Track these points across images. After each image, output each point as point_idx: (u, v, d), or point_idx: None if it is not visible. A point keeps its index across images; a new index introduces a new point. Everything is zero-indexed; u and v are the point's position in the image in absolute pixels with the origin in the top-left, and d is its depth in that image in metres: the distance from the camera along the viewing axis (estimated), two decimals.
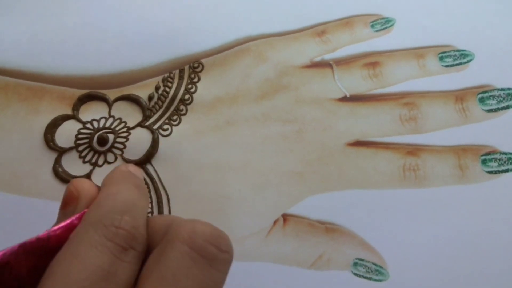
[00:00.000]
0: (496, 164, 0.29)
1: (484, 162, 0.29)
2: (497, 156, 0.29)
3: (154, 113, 0.30)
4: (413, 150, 0.29)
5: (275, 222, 0.28)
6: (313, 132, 0.30)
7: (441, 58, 0.32)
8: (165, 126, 0.29)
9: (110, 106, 0.30)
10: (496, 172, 0.29)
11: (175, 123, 0.30)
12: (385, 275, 0.27)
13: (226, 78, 0.31)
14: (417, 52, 0.32)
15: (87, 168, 0.28)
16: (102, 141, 0.28)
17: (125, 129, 0.29)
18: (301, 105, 0.30)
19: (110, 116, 0.30)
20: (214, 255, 0.15)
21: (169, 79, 0.31)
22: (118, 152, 0.28)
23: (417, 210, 0.29)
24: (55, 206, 0.27)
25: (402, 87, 0.31)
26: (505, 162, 0.29)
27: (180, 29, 0.33)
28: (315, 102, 0.30)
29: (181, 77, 0.31)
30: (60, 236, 0.16)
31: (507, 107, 0.30)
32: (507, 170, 0.29)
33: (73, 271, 0.14)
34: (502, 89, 0.31)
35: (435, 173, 0.29)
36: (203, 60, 0.32)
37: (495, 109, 0.30)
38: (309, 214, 0.29)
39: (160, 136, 0.29)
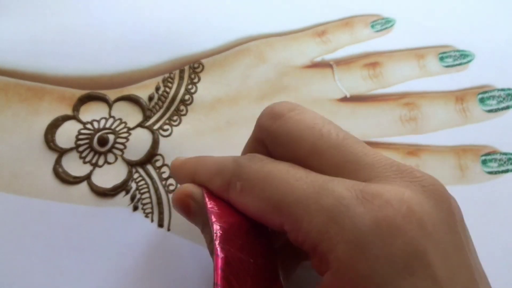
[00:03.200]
0: (496, 164, 0.29)
1: (484, 162, 0.29)
2: (497, 156, 0.29)
3: (154, 114, 0.30)
4: (414, 150, 0.29)
5: None
6: None
7: (441, 59, 0.32)
8: (166, 127, 0.29)
9: (110, 106, 0.30)
10: (496, 173, 0.29)
11: (176, 123, 0.30)
12: None
13: (226, 78, 0.31)
14: (417, 53, 0.32)
15: (87, 168, 0.28)
16: (103, 141, 0.28)
17: (125, 130, 0.29)
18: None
19: (110, 116, 0.30)
20: None
21: (169, 79, 0.31)
22: (118, 152, 0.28)
23: None
24: (55, 206, 0.27)
25: (402, 87, 0.31)
26: (505, 162, 0.29)
27: (180, 29, 0.33)
28: (316, 103, 0.30)
29: (181, 78, 0.31)
30: None
31: (507, 108, 0.30)
32: (507, 171, 0.29)
33: None
34: (502, 90, 0.31)
35: (435, 173, 0.29)
36: (203, 61, 0.32)
37: (495, 109, 0.30)
38: None
39: (160, 137, 0.29)
